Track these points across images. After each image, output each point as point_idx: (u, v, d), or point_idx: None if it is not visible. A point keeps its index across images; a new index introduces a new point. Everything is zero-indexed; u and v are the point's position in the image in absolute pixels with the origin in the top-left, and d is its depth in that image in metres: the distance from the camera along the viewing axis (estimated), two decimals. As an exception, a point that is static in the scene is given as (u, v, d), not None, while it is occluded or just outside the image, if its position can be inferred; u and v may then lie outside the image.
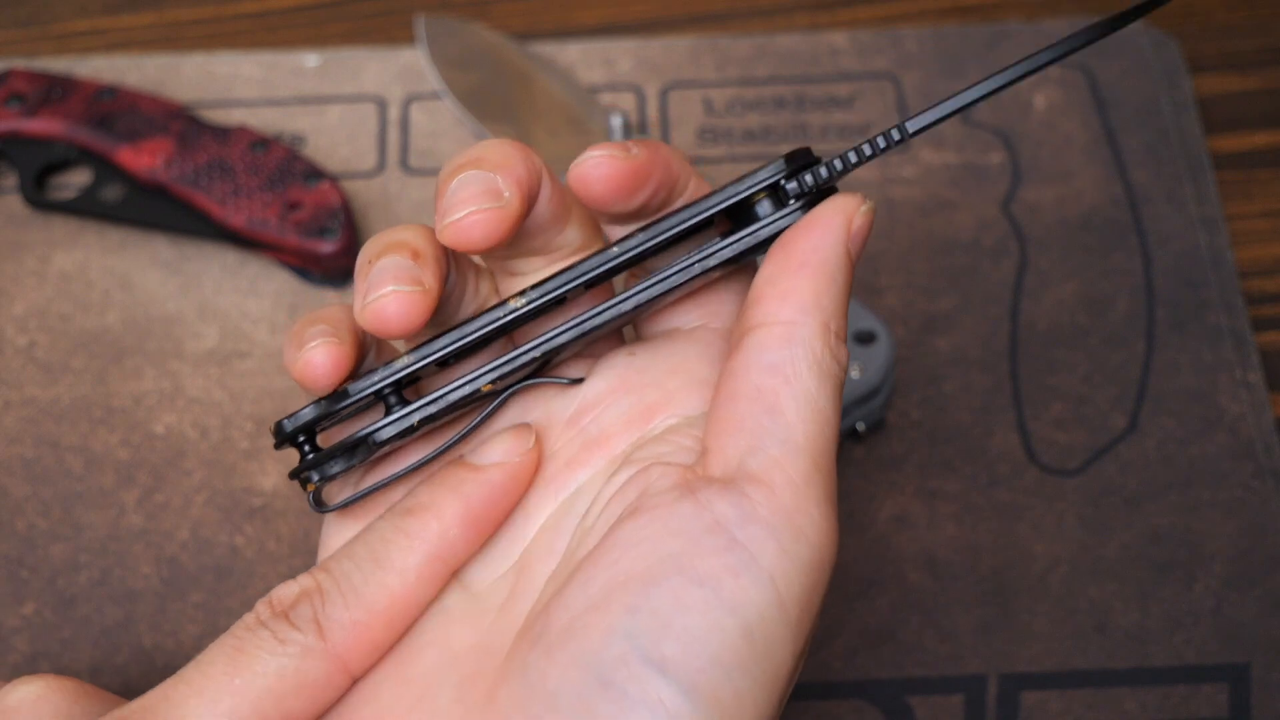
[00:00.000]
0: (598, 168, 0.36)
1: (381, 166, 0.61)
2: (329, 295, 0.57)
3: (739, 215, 0.37)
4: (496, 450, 0.37)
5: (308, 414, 0.36)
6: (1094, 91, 0.62)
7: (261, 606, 0.35)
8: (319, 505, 0.37)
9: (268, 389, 0.55)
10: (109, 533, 0.52)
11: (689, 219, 0.36)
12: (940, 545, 0.51)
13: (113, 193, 0.59)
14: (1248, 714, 0.48)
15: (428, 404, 0.36)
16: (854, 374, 0.52)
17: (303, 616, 0.34)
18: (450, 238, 0.35)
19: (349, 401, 0.36)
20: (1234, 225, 0.59)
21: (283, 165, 0.58)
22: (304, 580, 0.35)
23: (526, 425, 0.37)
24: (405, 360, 0.36)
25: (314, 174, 0.57)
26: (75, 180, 0.60)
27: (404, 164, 0.61)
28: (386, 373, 0.36)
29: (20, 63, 0.63)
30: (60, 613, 0.51)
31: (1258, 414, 0.54)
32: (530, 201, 0.36)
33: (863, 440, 0.53)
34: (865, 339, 0.53)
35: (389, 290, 0.35)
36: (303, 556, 0.51)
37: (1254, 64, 0.64)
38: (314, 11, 0.66)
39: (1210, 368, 0.55)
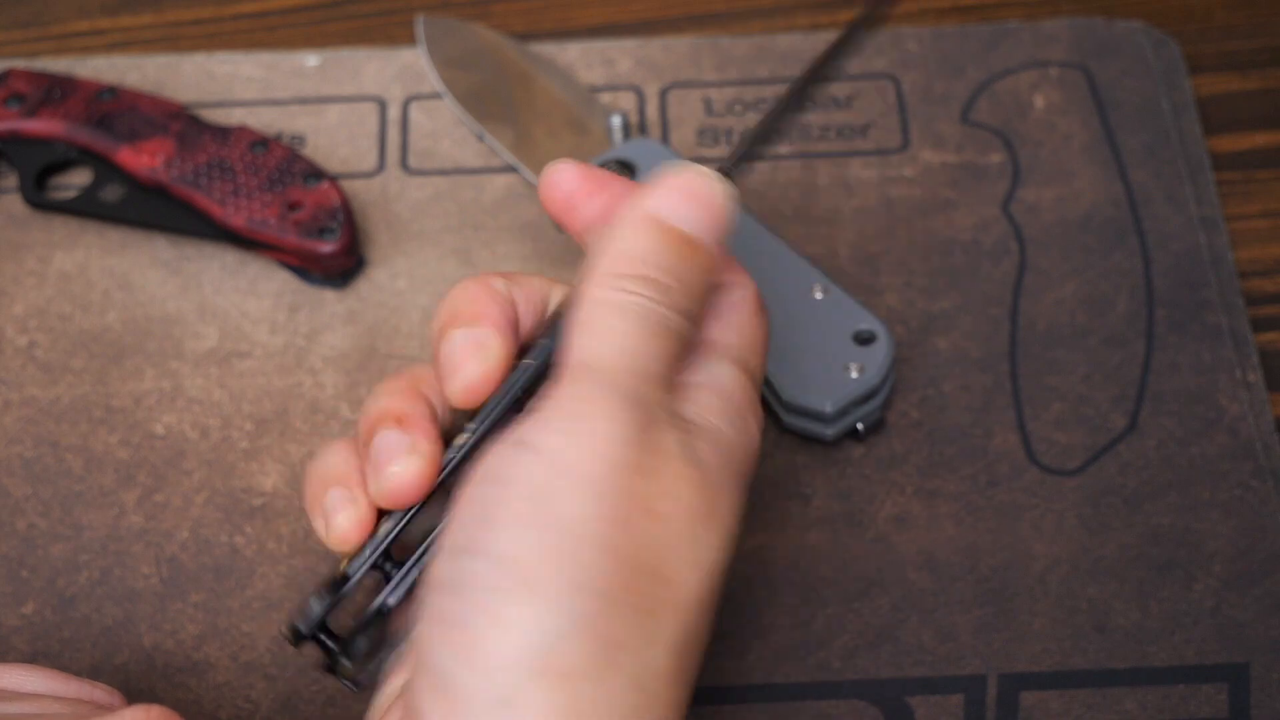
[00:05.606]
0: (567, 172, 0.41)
1: (381, 166, 0.61)
2: (329, 295, 0.57)
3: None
4: None
5: (316, 611, 0.38)
6: (1094, 91, 0.62)
7: None
8: (358, 685, 0.39)
9: (268, 389, 0.55)
10: (109, 533, 0.52)
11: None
12: (940, 545, 0.51)
13: (113, 193, 0.59)
14: (1247, 714, 0.48)
15: (419, 558, 0.39)
16: (854, 374, 0.52)
17: None
18: None
19: (351, 584, 0.38)
20: (1234, 225, 0.59)
21: (283, 165, 0.58)
22: None
23: None
24: (386, 527, 0.38)
25: (314, 174, 0.57)
26: (75, 180, 0.60)
27: (404, 164, 0.61)
28: (375, 545, 0.38)
29: (20, 63, 0.63)
30: (60, 613, 0.51)
31: (1258, 414, 0.54)
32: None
33: (862, 440, 0.53)
34: (865, 339, 0.53)
35: (396, 468, 0.38)
36: (303, 556, 0.51)
37: (1253, 64, 0.64)
38: (314, 11, 0.66)
39: (1210, 368, 0.55)
